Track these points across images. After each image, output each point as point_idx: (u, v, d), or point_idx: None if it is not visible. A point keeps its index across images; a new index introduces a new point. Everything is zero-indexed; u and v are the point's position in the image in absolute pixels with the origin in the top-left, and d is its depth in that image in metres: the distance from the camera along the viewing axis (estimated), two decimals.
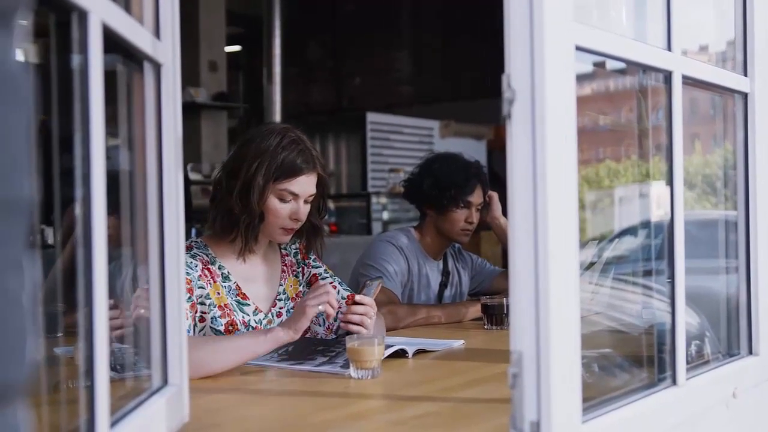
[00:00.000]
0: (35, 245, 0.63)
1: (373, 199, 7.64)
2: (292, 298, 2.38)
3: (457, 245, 3.24)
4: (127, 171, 1.39)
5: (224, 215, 2.23)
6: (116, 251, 1.30)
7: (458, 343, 2.37)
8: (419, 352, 2.20)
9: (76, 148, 1.04)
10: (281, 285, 2.37)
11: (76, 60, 1.04)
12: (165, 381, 1.39)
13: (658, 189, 1.94)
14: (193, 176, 6.71)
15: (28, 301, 0.59)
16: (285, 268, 2.40)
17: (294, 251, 2.45)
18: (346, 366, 1.92)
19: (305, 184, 2.23)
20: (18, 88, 0.58)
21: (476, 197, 3.05)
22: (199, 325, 2.15)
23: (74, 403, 1.16)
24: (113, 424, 1.11)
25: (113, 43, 1.13)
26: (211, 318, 2.17)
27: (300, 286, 2.41)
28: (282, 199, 2.21)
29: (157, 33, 1.37)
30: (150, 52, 1.31)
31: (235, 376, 1.93)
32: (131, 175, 1.39)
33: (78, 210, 1.04)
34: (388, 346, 2.04)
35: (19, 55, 0.59)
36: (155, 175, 1.38)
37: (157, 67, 1.36)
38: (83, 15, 1.01)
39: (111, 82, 1.12)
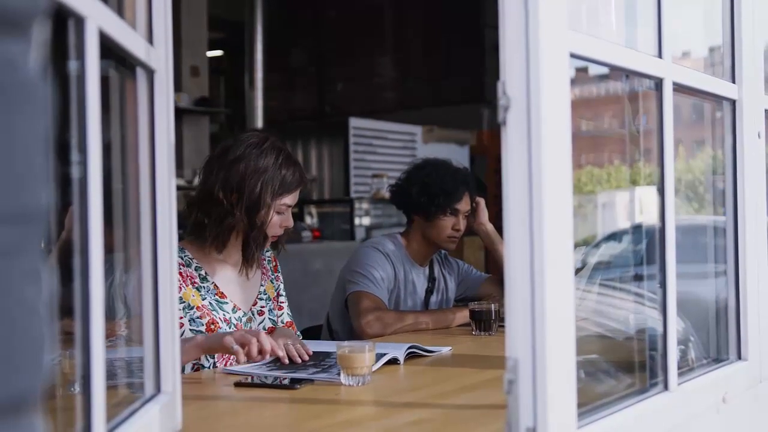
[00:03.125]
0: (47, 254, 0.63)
1: (356, 205, 7.62)
2: (273, 298, 2.48)
3: (443, 251, 3.24)
4: (119, 177, 1.38)
5: (227, 231, 2.29)
6: (107, 257, 1.30)
7: (446, 350, 2.37)
8: (411, 357, 2.20)
9: (70, 154, 1.03)
10: (262, 285, 2.46)
11: (72, 65, 1.03)
12: (158, 389, 1.38)
13: (641, 194, 1.95)
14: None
15: (45, 309, 0.59)
16: (264, 270, 2.50)
17: (268, 259, 2.54)
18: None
19: (297, 196, 2.38)
20: (36, 96, 0.57)
21: (464, 205, 3.05)
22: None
23: (64, 411, 1.15)
24: None
25: (107, 48, 1.12)
26: (190, 320, 2.22)
27: (275, 290, 2.52)
28: (278, 213, 2.33)
29: (150, 39, 1.36)
30: (143, 58, 1.30)
31: (227, 385, 1.92)
32: (123, 181, 1.38)
33: (72, 216, 1.03)
34: (379, 354, 2.04)
35: (36, 64, 0.59)
36: (148, 182, 1.37)
37: (150, 73, 1.35)
38: (80, 21, 1.00)
39: (103, 88, 1.11)
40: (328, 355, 2.19)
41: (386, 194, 3.18)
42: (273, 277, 2.53)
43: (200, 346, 2.03)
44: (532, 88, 1.17)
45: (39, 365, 0.58)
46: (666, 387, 1.53)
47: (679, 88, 1.61)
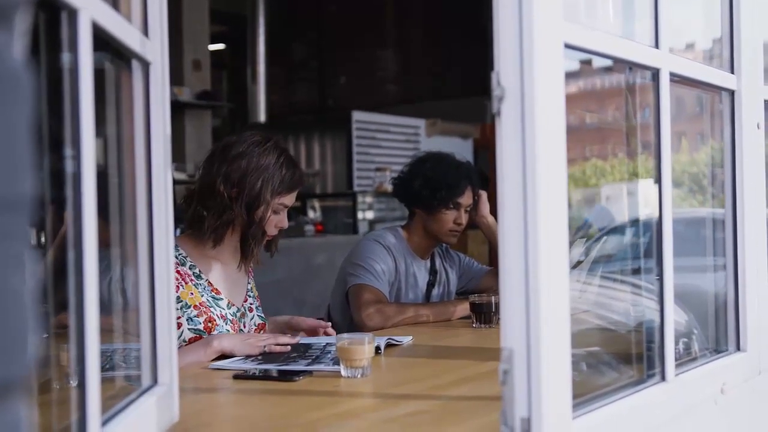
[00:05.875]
0: (33, 243, 0.64)
1: (359, 199, 7.62)
2: (257, 297, 2.53)
3: (444, 244, 3.24)
4: (115, 171, 1.38)
5: (225, 225, 2.31)
6: (103, 252, 1.30)
7: (408, 339, 2.41)
8: (389, 346, 2.25)
9: (64, 148, 1.03)
10: (249, 283, 2.50)
11: (65, 58, 1.03)
12: (155, 380, 1.39)
13: (645, 187, 1.95)
14: (177, 176, 6.69)
15: (29, 297, 0.60)
16: (250, 269, 2.53)
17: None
18: (336, 362, 1.92)
19: (294, 197, 2.41)
20: (19, 86, 0.58)
21: (466, 199, 3.05)
22: (176, 332, 2.20)
23: (63, 404, 1.15)
24: (104, 423, 1.11)
25: (101, 41, 1.12)
26: (188, 319, 2.25)
27: (256, 290, 2.56)
28: (275, 212, 2.35)
29: (145, 31, 1.36)
30: (139, 51, 1.30)
31: (225, 377, 1.93)
32: (119, 175, 1.38)
33: (65, 210, 1.04)
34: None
35: (19, 54, 0.59)
36: (144, 175, 1.37)
37: (145, 65, 1.36)
38: (73, 13, 1.00)
39: (98, 81, 1.11)
40: (309, 346, 2.21)
41: (389, 188, 3.19)
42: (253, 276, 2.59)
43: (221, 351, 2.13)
44: (526, 79, 1.17)
45: (23, 352, 0.59)
46: (663, 378, 1.53)
47: (677, 79, 1.61)
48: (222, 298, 2.35)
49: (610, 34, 1.46)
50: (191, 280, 2.30)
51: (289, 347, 2.18)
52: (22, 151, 0.58)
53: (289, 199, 2.38)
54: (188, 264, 2.32)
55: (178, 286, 2.24)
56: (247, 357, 2.11)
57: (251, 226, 2.31)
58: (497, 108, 1.20)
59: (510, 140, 1.19)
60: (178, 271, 2.27)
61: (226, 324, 2.31)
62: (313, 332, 2.45)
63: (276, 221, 2.36)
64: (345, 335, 1.97)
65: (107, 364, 1.39)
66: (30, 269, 0.60)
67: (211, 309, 2.29)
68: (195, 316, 2.26)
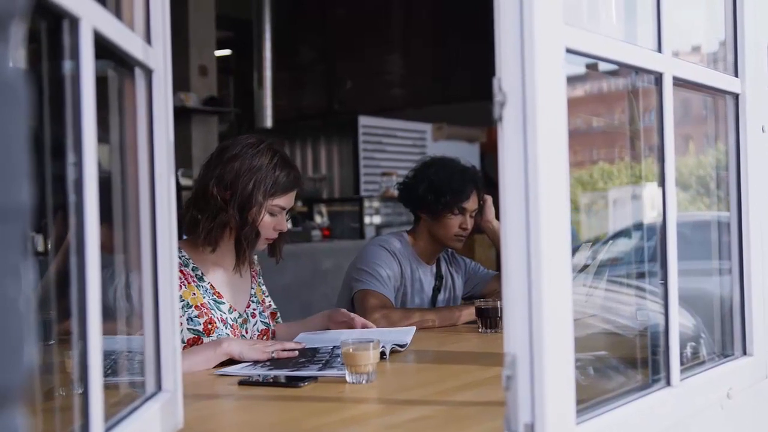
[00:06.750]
0: (30, 252, 0.64)
1: (366, 203, 7.62)
2: (261, 302, 2.52)
3: (450, 249, 3.23)
4: (119, 178, 1.38)
5: (219, 227, 2.31)
6: (108, 259, 1.30)
7: (411, 330, 2.46)
8: (393, 352, 2.25)
9: (67, 155, 1.03)
10: (252, 288, 2.50)
11: (67, 66, 1.03)
12: (159, 387, 1.39)
13: (651, 191, 1.95)
14: (183, 182, 6.69)
15: (26, 306, 0.60)
16: (254, 274, 2.54)
17: (256, 262, 2.61)
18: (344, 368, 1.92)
19: (292, 199, 2.40)
20: (15, 94, 0.58)
21: (471, 203, 3.05)
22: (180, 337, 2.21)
23: (67, 410, 1.16)
24: (107, 430, 1.11)
25: (104, 48, 1.13)
26: (188, 319, 2.26)
27: (263, 294, 2.56)
28: (271, 214, 2.35)
29: (148, 39, 1.36)
30: (141, 58, 1.31)
31: (229, 384, 1.92)
32: (122, 181, 1.39)
33: (70, 217, 1.04)
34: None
35: (16, 62, 0.59)
36: (147, 182, 1.37)
37: (148, 73, 1.36)
38: (75, 21, 1.00)
39: (101, 88, 1.11)
40: (316, 351, 2.21)
41: (395, 192, 3.20)
42: (260, 281, 2.58)
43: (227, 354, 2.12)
44: (528, 84, 1.17)
45: (19, 361, 0.59)
46: (668, 383, 1.53)
47: (680, 83, 1.60)
48: (224, 302, 2.36)
49: (611, 38, 1.46)
50: (193, 281, 2.31)
51: (296, 353, 2.18)
52: (19, 160, 0.58)
53: (285, 201, 2.36)
54: (191, 266, 2.33)
55: (180, 285, 2.24)
56: (256, 363, 2.11)
57: (244, 228, 2.31)
58: (499, 113, 1.20)
59: (512, 145, 1.19)
60: (181, 271, 2.28)
61: (226, 328, 2.31)
62: (348, 325, 2.49)
63: (274, 224, 2.36)
64: (350, 340, 1.96)
65: (110, 369, 1.40)
66: (27, 278, 0.60)
67: (212, 311, 2.30)
68: (195, 317, 2.26)
